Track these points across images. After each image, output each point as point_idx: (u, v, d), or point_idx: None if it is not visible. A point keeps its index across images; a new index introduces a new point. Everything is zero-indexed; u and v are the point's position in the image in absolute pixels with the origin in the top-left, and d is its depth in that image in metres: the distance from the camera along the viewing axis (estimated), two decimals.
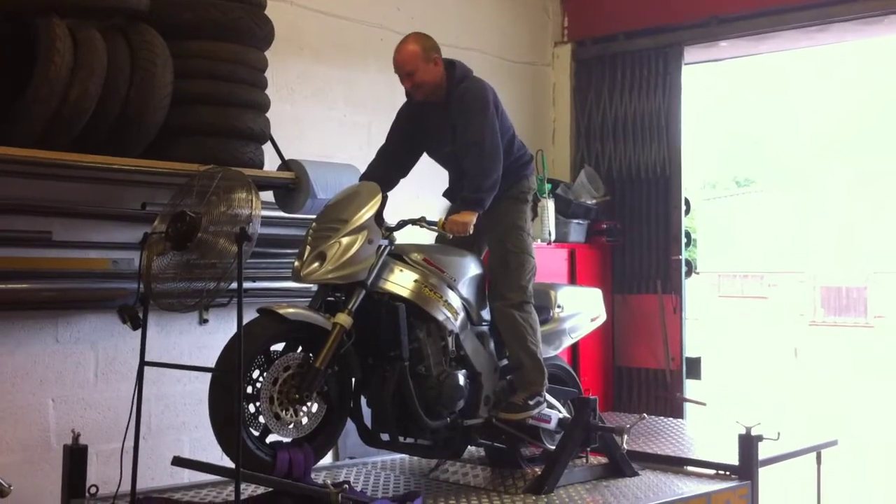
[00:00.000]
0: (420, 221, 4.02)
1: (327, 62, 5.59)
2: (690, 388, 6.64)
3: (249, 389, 3.55)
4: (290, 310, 3.61)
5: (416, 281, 3.94)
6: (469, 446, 4.42)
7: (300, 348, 3.69)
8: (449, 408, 4.01)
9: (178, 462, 3.77)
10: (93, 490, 3.74)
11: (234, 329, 3.41)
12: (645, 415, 4.88)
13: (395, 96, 5.84)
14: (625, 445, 4.44)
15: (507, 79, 6.67)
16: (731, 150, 30.79)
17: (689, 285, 6.94)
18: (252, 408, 3.57)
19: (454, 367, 4.05)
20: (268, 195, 4.79)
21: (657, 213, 6.76)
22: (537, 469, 4.34)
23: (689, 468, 4.73)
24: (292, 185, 4.72)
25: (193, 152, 4.19)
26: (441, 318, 3.98)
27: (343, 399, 3.84)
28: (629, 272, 6.85)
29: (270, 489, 3.66)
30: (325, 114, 5.56)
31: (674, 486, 4.36)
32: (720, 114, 28.09)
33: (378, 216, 3.90)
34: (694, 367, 6.65)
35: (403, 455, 4.90)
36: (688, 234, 6.87)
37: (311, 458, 3.68)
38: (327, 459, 5.27)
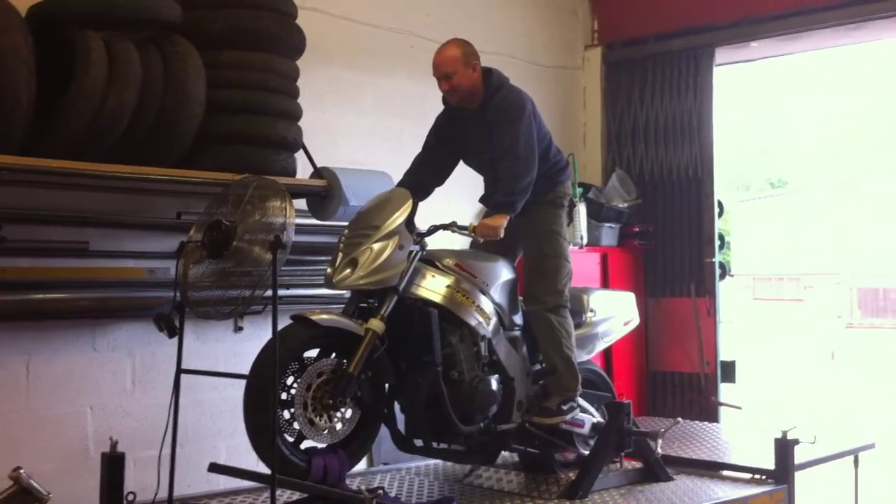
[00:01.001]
0: (451, 226, 4.01)
1: (357, 69, 5.62)
2: (725, 391, 6.59)
3: (284, 396, 3.58)
4: (324, 316, 3.64)
5: (448, 286, 3.95)
6: (503, 452, 4.42)
7: (333, 354, 3.70)
8: (482, 413, 4.01)
9: (215, 468, 3.80)
10: (130, 497, 3.75)
11: (269, 336, 3.43)
12: (679, 419, 4.84)
13: (426, 102, 5.87)
14: (659, 450, 4.41)
15: (538, 83, 6.67)
16: (765, 151, 30.55)
17: (723, 288, 6.90)
18: (287, 414, 3.59)
19: (487, 373, 4.05)
20: (301, 203, 4.82)
21: (689, 215, 6.73)
22: (571, 474, 4.32)
23: (725, 472, 4.70)
24: (324, 192, 4.75)
25: (227, 161, 4.23)
26: (473, 323, 3.98)
27: (377, 404, 3.85)
28: (662, 275, 6.81)
29: (305, 495, 3.68)
30: (356, 121, 5.59)
31: (709, 491, 4.32)
32: (753, 115, 27.89)
33: (409, 222, 3.91)
34: (729, 371, 6.60)
35: (437, 461, 4.90)
36: (721, 237, 6.82)
37: (345, 463, 3.69)
38: (361, 465, 5.28)
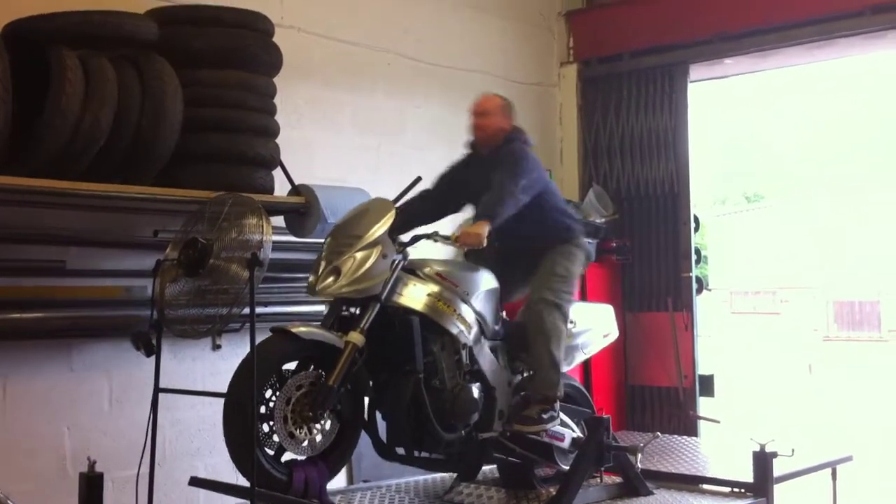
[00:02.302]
0: (434, 235, 4.07)
1: (335, 87, 5.64)
2: (704, 405, 6.62)
3: (263, 409, 3.57)
4: (303, 329, 3.65)
5: (429, 294, 3.98)
6: (484, 466, 4.42)
7: (312, 367, 3.71)
8: (463, 420, 4.02)
9: (196, 482, 3.78)
10: None
11: (246, 354, 3.43)
12: (658, 433, 4.87)
13: (404, 119, 5.92)
14: (639, 464, 4.42)
15: (514, 100, 6.55)
16: (741, 165, 30.82)
17: (701, 302, 6.93)
18: (266, 427, 3.59)
19: (468, 381, 4.07)
20: (278, 220, 4.82)
21: (666, 230, 6.77)
22: (552, 489, 4.32)
23: (704, 486, 4.72)
24: (303, 209, 4.75)
25: (204, 179, 4.23)
26: (455, 331, 4.01)
27: (356, 416, 3.86)
28: (640, 290, 6.85)
29: None
30: (334, 138, 5.60)
31: None
32: (729, 130, 28.13)
33: (392, 231, 3.95)
34: (707, 385, 6.63)
35: (418, 477, 4.90)
36: (698, 251, 6.87)
37: (325, 474, 3.70)
38: (341, 483, 5.28)
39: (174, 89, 4.11)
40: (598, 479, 4.48)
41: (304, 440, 3.60)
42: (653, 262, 6.81)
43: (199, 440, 4.79)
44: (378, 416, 4.04)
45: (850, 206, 25.73)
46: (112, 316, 4.39)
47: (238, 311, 3.48)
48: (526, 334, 4.29)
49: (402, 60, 6.03)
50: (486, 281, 4.25)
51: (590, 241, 6.63)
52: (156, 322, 3.69)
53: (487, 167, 4.30)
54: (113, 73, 3.96)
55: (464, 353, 4.06)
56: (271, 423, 3.57)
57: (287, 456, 3.70)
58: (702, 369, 6.67)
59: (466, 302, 4.09)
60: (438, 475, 4.99)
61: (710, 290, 7.75)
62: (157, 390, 3.65)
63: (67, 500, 4.04)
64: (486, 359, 4.16)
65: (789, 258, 25.82)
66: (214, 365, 4.82)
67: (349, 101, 5.72)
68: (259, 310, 4.78)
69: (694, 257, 6.73)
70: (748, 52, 6.47)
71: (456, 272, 4.15)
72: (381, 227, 3.90)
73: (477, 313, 4.13)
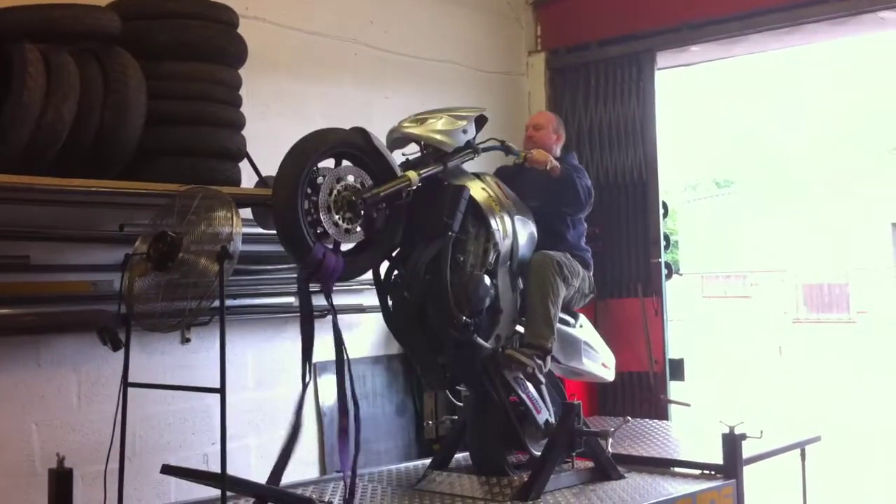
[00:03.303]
0: (504, 144, 4.43)
1: (302, 78, 5.61)
2: (674, 389, 6.67)
3: (309, 190, 3.67)
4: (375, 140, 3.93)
5: (483, 189, 4.30)
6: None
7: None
8: (473, 302, 4.10)
9: (167, 470, 3.78)
10: None
11: (217, 347, 3.42)
12: (629, 418, 4.92)
13: (372, 109, 5.90)
14: (610, 449, 4.47)
15: (482, 89, 6.72)
16: (711, 151, 31.02)
17: (671, 287, 6.98)
18: (307, 203, 3.66)
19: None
20: (246, 212, 4.80)
21: (635, 217, 6.80)
22: (524, 475, 4.35)
23: (675, 469, 4.77)
24: (270, 201, 4.72)
25: (170, 173, 4.20)
26: (494, 226, 4.21)
27: (383, 240, 4.00)
28: (610, 277, 6.88)
29: None
30: (301, 129, 5.46)
31: (659, 488, 4.39)
32: (698, 116, 28.31)
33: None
34: (677, 369, 6.68)
35: (391, 466, 4.93)
36: (667, 237, 6.91)
37: (341, 268, 3.75)
38: (314, 474, 5.29)
39: (137, 82, 4.08)
40: (570, 465, 4.52)
41: (338, 223, 3.70)
42: (623, 249, 6.84)
43: (168, 434, 4.77)
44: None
45: (817, 190, 25.97)
46: (79, 311, 4.35)
47: (208, 305, 3.47)
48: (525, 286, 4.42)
49: (369, 51, 6.01)
50: (531, 221, 4.49)
51: None
52: (123, 316, 3.67)
53: (538, 178, 4.56)
54: (75, 67, 3.91)
55: (492, 253, 4.20)
56: (315, 198, 3.66)
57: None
58: (672, 353, 6.72)
59: (511, 216, 4.33)
60: (412, 464, 5.03)
61: (680, 274, 7.80)
62: (126, 384, 3.64)
63: (36, 496, 4.03)
64: (503, 282, 4.29)
65: (759, 242, 26.04)
66: (184, 358, 4.80)
67: (316, 93, 5.70)
68: (228, 302, 4.80)
69: (663, 243, 6.77)
70: (714, 39, 6.48)
71: (513, 193, 4.47)
72: (470, 112, 4.30)
73: (514, 233, 4.31)
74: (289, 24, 5.54)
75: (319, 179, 3.70)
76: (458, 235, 4.14)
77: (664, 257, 6.77)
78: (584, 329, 4.81)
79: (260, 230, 4.91)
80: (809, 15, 6.07)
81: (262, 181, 4.82)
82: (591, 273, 4.81)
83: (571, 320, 4.73)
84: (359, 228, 3.80)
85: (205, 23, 4.40)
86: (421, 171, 3.99)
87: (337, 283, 3.92)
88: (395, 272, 4.26)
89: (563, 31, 7.14)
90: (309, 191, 3.66)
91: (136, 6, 4.39)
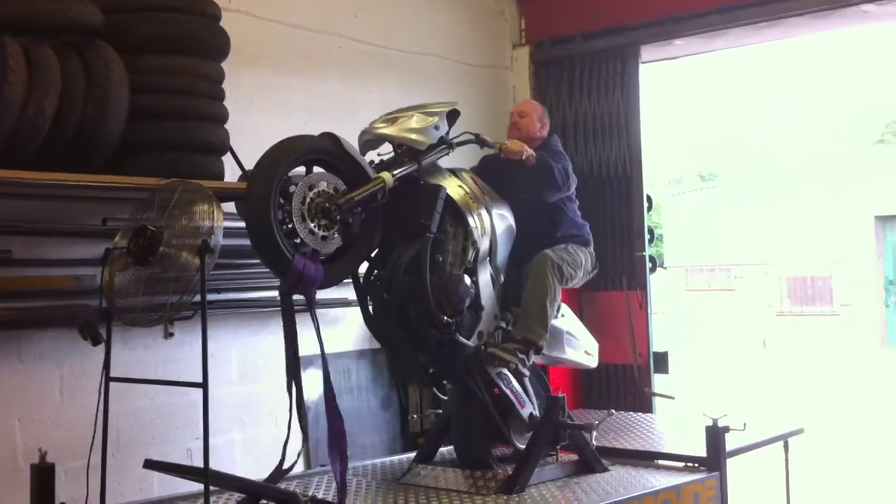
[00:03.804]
0: (478, 137, 4.39)
1: (285, 72, 5.59)
2: (658, 382, 6.70)
3: (281, 215, 3.66)
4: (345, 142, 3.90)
5: (460, 187, 4.30)
6: (443, 448, 4.54)
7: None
8: (453, 302, 4.12)
9: (150, 465, 3.77)
10: None
11: (199, 342, 3.41)
12: (613, 411, 4.94)
13: (357, 104, 5.89)
14: (594, 442, 4.48)
15: (467, 83, 6.72)
16: (695, 145, 31.11)
17: (656, 280, 7.00)
18: (281, 214, 3.65)
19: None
20: (230, 206, 4.78)
21: (620, 210, 6.82)
22: (508, 469, 4.36)
23: (659, 462, 4.79)
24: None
25: (153, 166, 4.17)
26: (472, 223, 4.22)
27: (361, 244, 3.99)
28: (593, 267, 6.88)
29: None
30: (285, 123, 5.52)
31: (643, 480, 4.41)
32: (683, 110, 28.38)
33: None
34: (661, 362, 6.70)
35: (375, 461, 4.93)
36: (651, 231, 6.93)
37: (321, 276, 3.74)
38: (299, 468, 5.28)
39: (120, 76, 4.05)
40: (555, 458, 4.53)
41: (314, 231, 3.68)
42: (607, 242, 6.84)
43: (152, 429, 4.76)
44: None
45: (799, 183, 26.07)
46: (61, 306, 4.33)
47: (189, 299, 3.45)
48: (523, 284, 4.43)
49: (353, 44, 6.00)
50: (509, 213, 4.47)
51: None
52: (105, 311, 3.66)
53: (520, 168, 4.52)
54: (56, 61, 3.89)
55: (471, 251, 4.21)
56: (288, 208, 3.65)
57: None
58: (656, 346, 6.75)
59: (489, 212, 4.33)
60: (397, 458, 5.03)
61: (666, 268, 7.82)
62: (108, 379, 3.63)
63: (18, 492, 4.01)
64: (483, 280, 4.29)
65: (743, 235, 26.13)
66: (167, 353, 4.79)
67: (300, 86, 5.69)
68: (211, 297, 4.78)
69: (647, 236, 6.79)
70: (697, 32, 6.50)
71: (488, 187, 4.45)
72: (441, 108, 4.26)
73: (493, 229, 4.31)
74: (272, 18, 5.52)
75: (291, 188, 3.67)
76: (436, 235, 4.13)
77: (648, 251, 6.79)
78: (566, 319, 4.83)
79: (243, 224, 4.89)
80: (791, 9, 6.10)
81: (246, 175, 4.80)
82: (592, 247, 4.84)
83: (554, 314, 4.73)
84: (336, 235, 3.77)
85: (187, 16, 4.36)
86: (395, 172, 3.96)
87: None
88: (375, 273, 4.25)
89: (548, 25, 7.14)
90: (282, 201, 3.64)
91: None
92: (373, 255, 4.22)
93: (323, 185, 3.76)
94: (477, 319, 4.27)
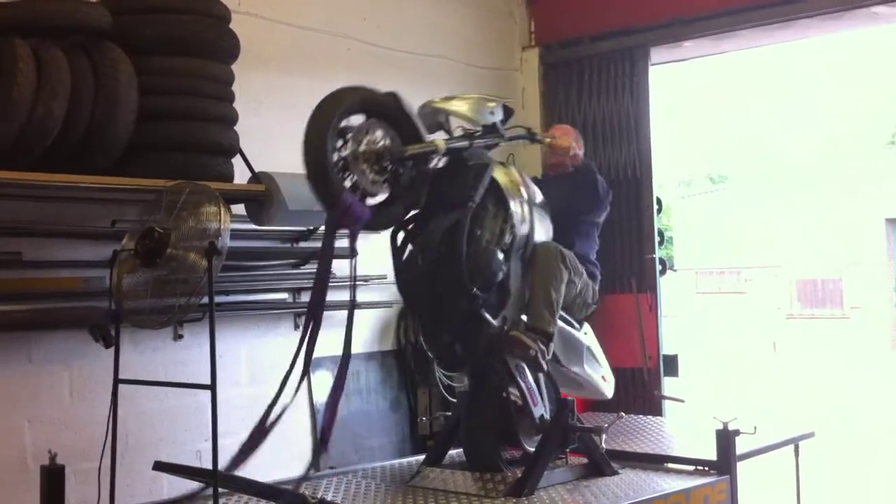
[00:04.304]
0: (529, 131, 4.60)
1: (295, 73, 5.58)
2: (669, 385, 6.67)
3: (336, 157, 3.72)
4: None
5: (507, 175, 4.34)
6: (455, 450, 4.50)
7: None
8: (486, 275, 4.12)
9: (159, 467, 3.77)
10: None
11: (208, 343, 3.41)
12: (622, 413, 4.90)
13: None
14: (603, 445, 4.46)
15: (476, 85, 6.69)
16: (705, 147, 31.03)
17: (665, 283, 6.97)
18: (336, 156, 3.71)
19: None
20: (239, 209, 4.79)
21: (629, 213, 6.80)
22: (518, 472, 4.34)
23: (669, 465, 4.76)
24: (263, 197, 4.72)
25: (161, 168, 4.18)
26: (513, 207, 4.25)
27: (407, 196, 4.03)
28: (604, 272, 6.81)
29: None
30: (294, 125, 5.48)
31: (653, 484, 4.38)
32: (693, 112, 28.31)
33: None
34: (671, 365, 6.68)
35: (384, 463, 4.92)
36: (661, 233, 6.90)
37: (367, 214, 3.77)
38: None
39: (128, 78, 4.06)
40: (564, 461, 4.51)
41: (365, 173, 3.75)
42: (616, 245, 6.83)
43: (161, 430, 4.76)
44: None
45: (810, 185, 26.01)
46: (71, 307, 4.33)
47: (197, 301, 3.45)
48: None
49: (362, 46, 6.00)
50: (549, 220, 4.52)
51: None
52: (114, 313, 3.66)
53: (562, 184, 4.76)
54: (65, 63, 3.90)
55: (508, 235, 4.24)
56: (344, 153, 3.73)
57: None
58: (666, 349, 6.72)
59: (531, 207, 4.37)
60: (406, 460, 5.02)
61: (675, 270, 7.80)
62: (117, 381, 3.63)
63: (28, 494, 4.01)
64: (515, 268, 4.29)
65: (753, 238, 26.07)
66: (176, 355, 4.79)
67: (309, 88, 5.58)
68: (220, 299, 4.79)
69: (657, 239, 6.77)
70: (707, 34, 6.48)
71: (536, 189, 4.53)
72: (499, 98, 4.39)
73: (532, 223, 4.35)
74: (281, 20, 5.52)
75: (350, 132, 3.76)
76: (477, 210, 4.17)
77: (658, 253, 6.77)
78: (588, 336, 4.82)
79: (253, 226, 4.90)
80: (801, 10, 6.07)
81: (255, 177, 4.81)
82: (597, 286, 4.82)
83: (577, 325, 4.73)
84: (385, 183, 3.86)
85: (196, 17, 4.38)
86: (448, 141, 4.08)
87: (333, 280, 3.92)
88: (412, 236, 4.28)
89: (557, 27, 7.13)
90: (339, 143, 3.72)
91: (126, 1, 4.37)
92: (413, 218, 4.25)
93: (379, 134, 3.83)
94: (503, 304, 4.27)
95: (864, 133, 27.87)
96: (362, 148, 3.76)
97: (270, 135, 5.33)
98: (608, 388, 4.94)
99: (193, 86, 4.34)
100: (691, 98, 26.36)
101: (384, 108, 3.90)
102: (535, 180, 4.76)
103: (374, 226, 3.97)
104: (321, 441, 3.77)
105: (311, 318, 3.71)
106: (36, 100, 3.76)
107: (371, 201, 3.88)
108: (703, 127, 30.53)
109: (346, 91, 3.82)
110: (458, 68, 6.62)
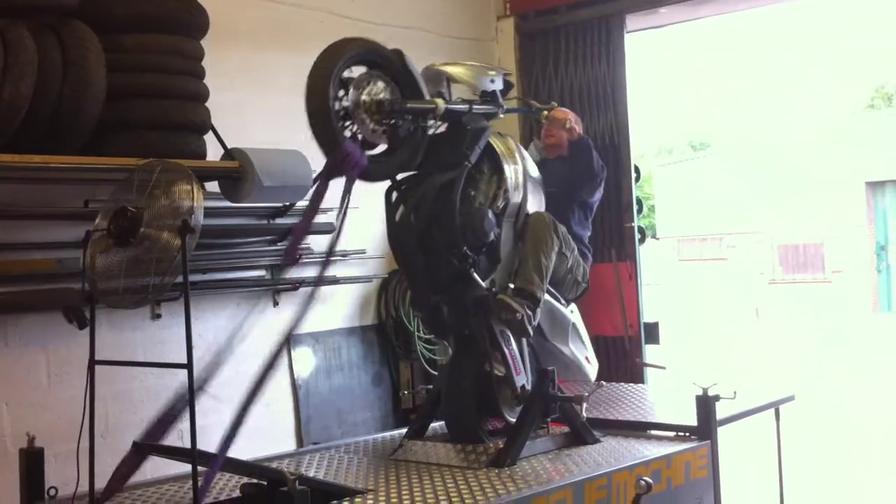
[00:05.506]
0: (527, 101, 4.90)
1: (267, 48, 5.53)
2: (650, 353, 6.70)
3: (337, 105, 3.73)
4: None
5: (503, 142, 4.39)
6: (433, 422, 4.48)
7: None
8: (476, 235, 4.15)
9: (138, 447, 3.76)
10: (52, 492, 3.71)
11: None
12: (602, 382, 4.92)
13: None
14: (585, 413, 4.47)
15: (453, 55, 6.61)
16: (686, 114, 31.06)
17: (647, 251, 6.98)
18: (337, 105, 3.72)
19: None
20: (213, 186, 4.75)
21: (608, 181, 6.71)
22: (500, 442, 4.35)
23: (650, 432, 4.78)
24: (236, 174, 4.68)
25: (133, 147, 4.14)
26: (508, 173, 4.29)
27: (406, 148, 4.02)
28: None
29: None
30: (268, 100, 5.50)
31: (634, 451, 4.40)
32: (672, 80, 28.30)
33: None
34: (652, 333, 6.70)
35: (367, 437, 4.93)
36: (639, 202, 6.90)
37: (364, 161, 3.77)
38: (290, 446, 5.28)
39: (97, 56, 4.01)
40: (546, 431, 4.52)
41: (365, 121, 3.78)
42: (596, 214, 6.76)
43: (142, 411, 4.73)
44: None
45: (790, 151, 26.06)
46: (45, 289, 4.31)
47: (171, 280, 3.41)
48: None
49: (335, 19, 5.93)
50: (542, 195, 4.55)
51: None
52: (88, 294, 3.63)
53: (555, 167, 4.89)
54: (32, 43, 3.85)
55: (501, 200, 4.28)
56: (345, 94, 3.74)
57: None
58: (647, 317, 6.74)
59: (525, 176, 4.40)
60: (388, 434, 5.02)
61: (657, 238, 7.82)
62: (93, 362, 3.60)
63: (8, 477, 4.00)
64: (506, 234, 4.33)
65: (735, 204, 26.15)
66: (155, 334, 4.77)
67: (282, 62, 5.61)
68: (197, 277, 4.76)
69: (636, 207, 6.77)
70: (682, 0, 6.46)
71: (531, 160, 4.57)
72: (500, 69, 4.49)
73: (525, 190, 4.38)
74: None
75: (351, 80, 3.77)
76: (471, 172, 4.20)
77: (637, 221, 6.77)
78: (574, 315, 4.86)
79: (227, 203, 4.86)
80: None
81: (228, 153, 4.76)
82: (588, 268, 4.86)
83: (564, 302, 4.76)
84: (383, 133, 3.87)
85: None
86: (448, 102, 4.10)
87: (310, 256, 3.91)
88: (406, 192, 4.28)
89: None
90: (341, 93, 3.73)
91: None
92: (408, 179, 4.26)
93: (381, 86, 3.85)
94: (492, 269, 4.32)
95: (843, 96, 27.95)
96: (363, 97, 3.78)
97: (243, 110, 5.28)
98: (591, 371, 5.01)
99: (163, 63, 4.30)
100: (673, 67, 26.36)
101: (387, 63, 3.92)
102: (538, 162, 4.81)
103: (370, 174, 3.96)
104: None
105: (292, 263, 3.78)
106: (3, 80, 3.72)
107: (369, 152, 3.90)
108: (684, 95, 30.55)
109: (350, 41, 3.84)
110: (434, 39, 6.57)
